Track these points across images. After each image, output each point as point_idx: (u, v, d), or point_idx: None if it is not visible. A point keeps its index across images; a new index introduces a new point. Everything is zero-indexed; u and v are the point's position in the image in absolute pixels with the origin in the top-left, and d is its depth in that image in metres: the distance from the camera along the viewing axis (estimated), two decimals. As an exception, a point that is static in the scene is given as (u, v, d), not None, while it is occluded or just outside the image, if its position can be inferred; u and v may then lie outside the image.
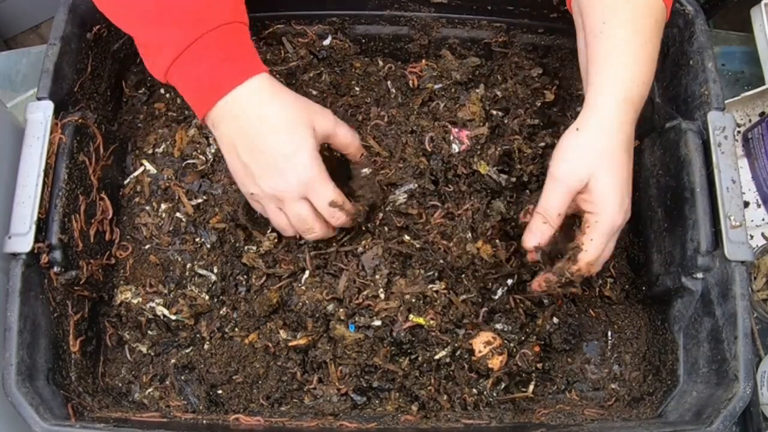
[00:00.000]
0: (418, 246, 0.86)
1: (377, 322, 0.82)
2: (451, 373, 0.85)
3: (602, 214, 0.72)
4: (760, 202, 1.04)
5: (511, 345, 0.85)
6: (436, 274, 0.85)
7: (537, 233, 0.75)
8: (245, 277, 0.88)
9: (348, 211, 0.77)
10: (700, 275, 0.78)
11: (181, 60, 0.70)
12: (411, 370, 0.84)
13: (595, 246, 0.72)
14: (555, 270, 0.75)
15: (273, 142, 0.71)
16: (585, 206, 0.73)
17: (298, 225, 0.77)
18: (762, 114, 1.08)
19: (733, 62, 1.12)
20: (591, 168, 0.71)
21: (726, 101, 0.82)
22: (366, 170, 0.84)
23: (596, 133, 0.71)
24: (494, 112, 0.94)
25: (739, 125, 1.07)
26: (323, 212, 0.76)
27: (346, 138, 0.80)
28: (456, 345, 0.83)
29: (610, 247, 0.75)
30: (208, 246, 0.89)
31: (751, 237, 1.02)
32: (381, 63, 1.00)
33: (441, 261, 0.86)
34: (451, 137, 0.90)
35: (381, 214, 0.87)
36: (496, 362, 0.82)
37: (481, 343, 0.83)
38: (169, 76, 0.72)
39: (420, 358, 0.83)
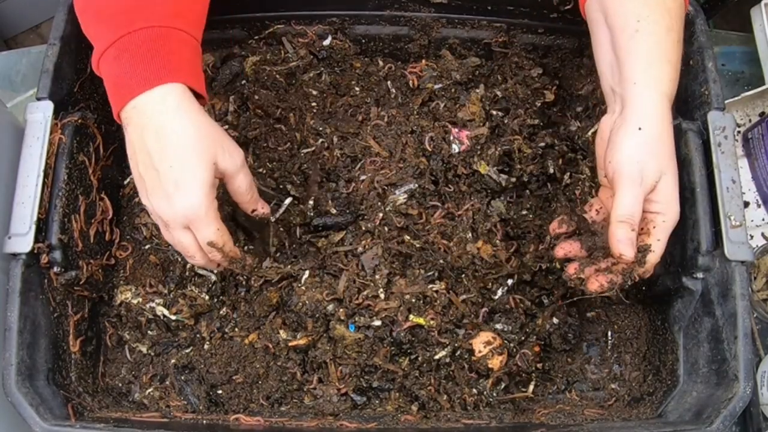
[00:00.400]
0: (418, 246, 0.86)
1: (377, 322, 0.82)
2: (451, 373, 0.85)
3: (669, 214, 0.71)
4: (760, 202, 1.04)
5: (511, 345, 0.85)
6: (436, 274, 0.85)
7: (630, 243, 0.70)
8: (245, 277, 0.88)
9: (227, 255, 0.74)
10: (700, 275, 0.78)
11: (106, 55, 0.69)
12: (411, 370, 0.84)
13: (662, 246, 0.72)
14: (619, 273, 0.72)
15: (167, 163, 0.67)
16: (651, 207, 0.72)
17: (180, 250, 0.74)
18: (762, 114, 1.08)
19: (733, 62, 1.12)
20: (662, 169, 0.70)
21: (726, 101, 0.82)
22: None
23: (660, 133, 0.70)
24: (494, 112, 0.94)
25: (739, 125, 1.07)
26: (203, 247, 0.73)
27: (242, 186, 0.75)
28: (456, 345, 0.83)
29: None
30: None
31: (751, 237, 1.02)
32: (381, 63, 1.00)
33: (441, 261, 0.86)
34: (451, 137, 0.90)
35: (381, 214, 0.87)
36: (496, 362, 0.82)
37: (481, 343, 0.83)
38: (99, 72, 0.71)
39: (420, 358, 0.83)
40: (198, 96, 0.72)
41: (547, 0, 0.90)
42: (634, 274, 0.72)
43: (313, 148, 0.93)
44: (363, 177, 0.90)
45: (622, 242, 0.69)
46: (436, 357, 0.83)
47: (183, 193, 0.68)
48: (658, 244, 0.71)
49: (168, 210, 0.69)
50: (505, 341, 0.85)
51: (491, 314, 0.87)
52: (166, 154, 0.67)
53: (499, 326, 0.86)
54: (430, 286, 0.84)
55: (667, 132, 0.71)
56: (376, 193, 0.88)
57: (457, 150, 0.90)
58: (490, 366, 0.82)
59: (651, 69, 0.71)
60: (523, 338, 0.86)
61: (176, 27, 0.70)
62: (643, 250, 0.71)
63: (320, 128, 0.94)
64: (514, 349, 0.85)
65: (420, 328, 0.82)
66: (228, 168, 0.72)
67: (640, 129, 0.70)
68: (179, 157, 0.68)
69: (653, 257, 0.71)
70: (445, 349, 0.83)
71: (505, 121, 0.93)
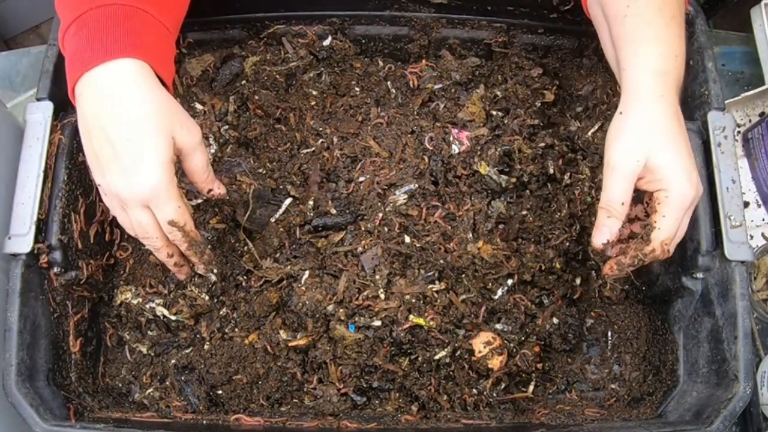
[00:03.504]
0: (418, 246, 0.86)
1: (377, 323, 0.82)
2: (451, 373, 0.84)
3: (671, 189, 0.68)
4: (760, 202, 1.04)
5: (511, 345, 0.85)
6: (436, 274, 0.85)
7: (605, 229, 0.70)
8: (245, 277, 0.88)
9: (188, 235, 0.71)
10: (700, 275, 0.78)
11: (68, 31, 0.68)
12: (411, 370, 0.84)
13: (668, 223, 0.68)
14: (629, 252, 0.71)
15: (124, 137, 0.64)
16: (651, 186, 0.69)
17: (138, 231, 0.70)
18: (762, 114, 1.08)
19: (733, 62, 1.12)
20: (646, 146, 0.68)
21: (726, 101, 0.82)
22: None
23: (641, 110, 0.68)
24: (494, 113, 0.94)
25: (739, 125, 1.07)
26: (163, 227, 0.69)
27: (199, 165, 0.72)
28: (456, 345, 0.83)
29: (684, 225, 0.70)
30: (208, 246, 0.89)
31: (751, 237, 1.02)
32: (381, 63, 1.00)
33: (441, 261, 0.86)
34: (451, 138, 0.90)
35: (381, 215, 0.87)
36: (496, 362, 0.82)
37: (481, 343, 0.83)
38: (64, 50, 0.69)
39: (420, 359, 0.83)
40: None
41: (547, 0, 0.90)
42: (640, 254, 0.70)
43: (313, 149, 0.93)
44: (363, 177, 0.90)
45: (597, 227, 0.70)
46: (436, 357, 0.83)
47: (142, 168, 0.64)
48: (664, 221, 0.68)
49: (126, 188, 0.65)
50: (505, 341, 0.84)
51: (491, 314, 0.87)
52: (123, 127, 0.64)
53: (499, 326, 0.86)
54: (430, 286, 0.84)
55: (651, 108, 0.68)
56: (376, 193, 0.88)
57: (457, 150, 0.90)
58: (490, 366, 0.82)
59: (635, 51, 0.70)
60: (523, 338, 0.86)
61: (141, 8, 0.68)
62: (644, 227, 0.70)
63: (320, 128, 0.94)
64: (514, 350, 0.85)
65: (420, 328, 0.82)
66: (186, 144, 0.69)
67: (621, 113, 0.69)
68: (137, 130, 0.64)
69: (658, 234, 0.68)
70: (445, 350, 0.83)
71: (505, 122, 0.93)
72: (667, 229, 0.68)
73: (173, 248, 0.74)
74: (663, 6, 0.71)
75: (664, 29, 0.70)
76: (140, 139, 0.64)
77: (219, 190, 0.78)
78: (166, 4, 0.72)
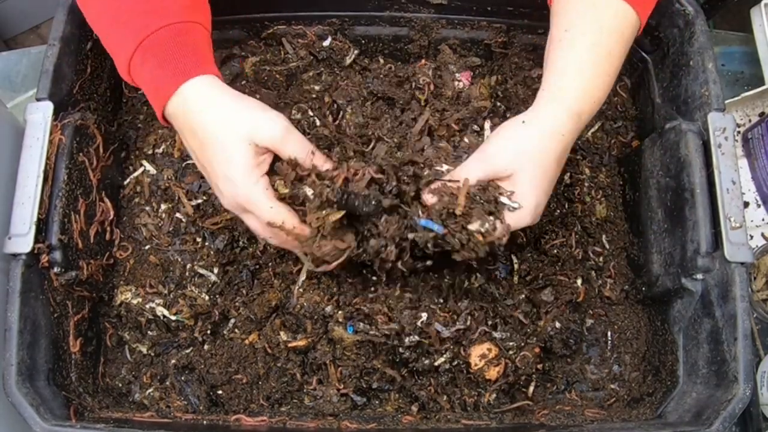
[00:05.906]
0: None
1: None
2: (450, 377, 0.84)
3: (520, 209, 0.71)
4: (760, 202, 1.04)
5: (511, 347, 0.84)
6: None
7: (435, 191, 0.72)
8: (245, 278, 0.88)
9: (291, 233, 0.70)
10: (699, 276, 0.78)
11: (133, 64, 0.69)
12: (409, 374, 0.83)
13: (501, 232, 0.70)
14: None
15: (208, 157, 0.69)
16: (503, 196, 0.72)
17: (256, 233, 0.73)
18: (762, 114, 1.08)
19: (733, 62, 1.12)
20: (520, 164, 0.70)
21: (726, 101, 0.82)
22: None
23: (538, 136, 0.70)
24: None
25: (739, 125, 1.07)
26: (266, 231, 0.71)
27: (295, 152, 0.70)
28: (454, 351, 0.82)
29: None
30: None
31: (751, 237, 1.02)
32: (381, 63, 0.99)
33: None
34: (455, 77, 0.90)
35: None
36: (493, 373, 0.81)
37: (477, 356, 0.81)
38: (134, 82, 0.71)
39: (417, 366, 0.82)
40: None
41: (546, 1, 0.90)
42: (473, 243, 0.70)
43: (313, 149, 0.92)
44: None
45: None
46: (435, 364, 0.82)
47: (228, 181, 0.68)
48: (500, 228, 0.69)
49: (224, 201, 0.71)
50: (502, 349, 0.83)
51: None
52: (205, 149, 0.69)
53: (498, 331, 0.85)
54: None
55: (547, 139, 0.70)
56: None
57: (460, 88, 0.89)
58: (487, 378, 0.81)
59: (560, 81, 0.71)
60: (522, 344, 0.84)
61: (186, 20, 0.70)
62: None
63: (320, 128, 0.94)
64: (514, 354, 0.84)
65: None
66: (269, 140, 0.69)
67: (523, 122, 0.71)
68: (213, 148, 0.68)
69: (490, 237, 0.69)
70: (442, 357, 0.82)
71: (505, 122, 0.93)
72: (500, 235, 0.70)
73: (293, 239, 0.72)
74: (599, 42, 0.71)
75: (591, 68, 0.71)
76: (221, 154, 0.68)
77: (327, 165, 0.74)
78: (207, 10, 0.74)
